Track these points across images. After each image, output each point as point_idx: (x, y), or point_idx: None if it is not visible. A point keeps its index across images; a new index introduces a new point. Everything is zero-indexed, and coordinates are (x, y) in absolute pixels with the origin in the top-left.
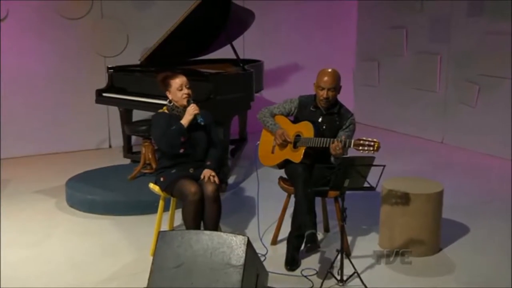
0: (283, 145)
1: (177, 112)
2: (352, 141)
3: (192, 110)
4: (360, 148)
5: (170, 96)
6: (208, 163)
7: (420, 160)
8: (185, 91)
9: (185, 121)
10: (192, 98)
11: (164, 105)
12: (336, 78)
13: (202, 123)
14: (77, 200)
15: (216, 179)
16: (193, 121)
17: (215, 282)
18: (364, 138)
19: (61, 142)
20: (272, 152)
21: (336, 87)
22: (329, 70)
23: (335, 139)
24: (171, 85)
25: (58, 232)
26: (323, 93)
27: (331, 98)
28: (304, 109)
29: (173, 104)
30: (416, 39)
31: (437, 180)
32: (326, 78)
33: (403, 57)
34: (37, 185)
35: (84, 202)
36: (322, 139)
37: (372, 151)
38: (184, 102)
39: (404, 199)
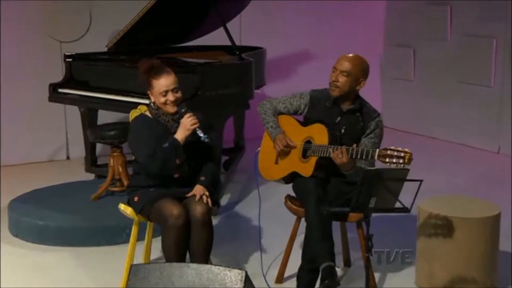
0: (286, 152)
1: (164, 120)
2: (377, 151)
3: (189, 124)
4: (387, 160)
5: (152, 98)
6: (202, 178)
7: (469, 174)
8: (171, 97)
9: (180, 136)
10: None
11: (140, 103)
12: (356, 64)
13: (206, 140)
14: (24, 227)
15: (209, 200)
16: (189, 137)
17: None
18: (392, 148)
19: (3, 152)
20: (276, 163)
21: (352, 74)
22: (351, 54)
23: (341, 147)
24: (153, 86)
25: None
26: (332, 75)
27: (340, 85)
28: (317, 106)
29: (158, 107)
30: (464, 18)
31: (492, 201)
32: (342, 60)
33: (446, 41)
34: None
35: (33, 230)
36: (337, 147)
37: (402, 164)
38: (169, 109)
39: (447, 224)
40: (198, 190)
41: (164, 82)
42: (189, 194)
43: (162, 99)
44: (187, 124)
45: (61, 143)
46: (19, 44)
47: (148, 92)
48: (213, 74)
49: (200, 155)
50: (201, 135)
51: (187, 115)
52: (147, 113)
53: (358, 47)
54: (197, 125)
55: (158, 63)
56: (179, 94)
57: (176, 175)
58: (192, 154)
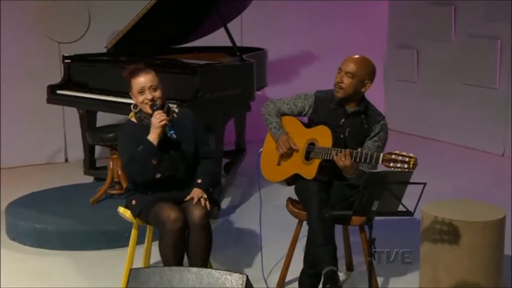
0: (289, 154)
1: (147, 122)
2: (381, 155)
3: (157, 120)
4: (391, 164)
5: (134, 100)
6: (199, 181)
7: (473, 177)
8: (148, 95)
9: (152, 136)
10: (163, 100)
11: None
12: (361, 65)
13: (174, 137)
14: (22, 231)
15: (208, 204)
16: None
17: None
18: (396, 152)
19: (1, 154)
20: (279, 164)
21: (356, 75)
22: (357, 56)
23: (344, 150)
24: (131, 86)
25: None
26: (337, 77)
27: (344, 86)
28: (321, 107)
29: (140, 110)
30: (468, 18)
31: (497, 204)
32: (348, 62)
33: (450, 42)
34: None
35: (30, 234)
36: (340, 150)
37: (407, 169)
38: (147, 109)
39: (451, 228)
40: (196, 193)
41: (141, 80)
42: (187, 198)
43: (140, 98)
44: (155, 122)
45: (60, 145)
46: (18, 45)
47: (130, 93)
48: (213, 76)
49: (194, 155)
50: (169, 132)
51: (156, 112)
52: (133, 119)
53: (361, 48)
54: (164, 122)
55: (140, 65)
56: (157, 93)
57: (157, 176)
58: (184, 154)
